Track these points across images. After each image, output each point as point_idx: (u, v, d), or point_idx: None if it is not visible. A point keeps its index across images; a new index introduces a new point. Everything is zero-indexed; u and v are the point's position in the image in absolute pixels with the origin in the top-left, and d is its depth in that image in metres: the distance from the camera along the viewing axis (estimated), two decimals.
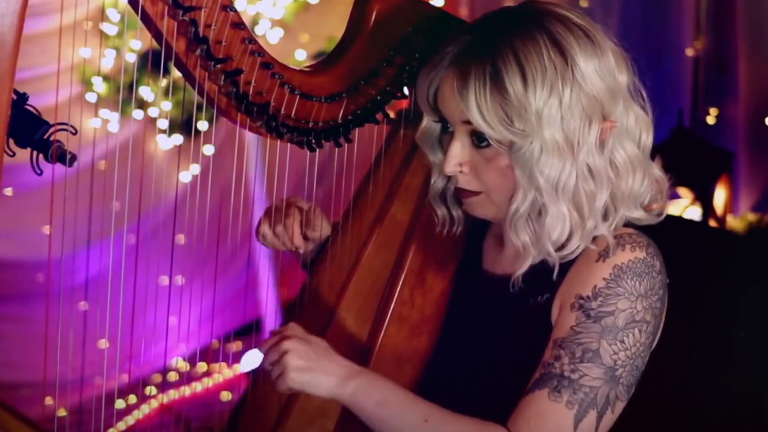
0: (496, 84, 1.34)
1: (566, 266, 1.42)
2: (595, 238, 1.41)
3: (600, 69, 1.37)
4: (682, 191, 4.14)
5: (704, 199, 4.05)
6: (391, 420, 1.38)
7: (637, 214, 1.44)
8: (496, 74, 1.34)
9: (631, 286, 1.37)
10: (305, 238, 1.67)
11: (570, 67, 1.35)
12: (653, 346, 1.44)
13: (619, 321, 1.36)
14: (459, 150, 1.42)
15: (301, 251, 1.68)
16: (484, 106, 1.35)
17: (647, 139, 1.44)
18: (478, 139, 1.40)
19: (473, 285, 1.57)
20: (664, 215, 1.46)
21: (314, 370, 1.38)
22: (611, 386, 1.35)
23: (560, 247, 1.41)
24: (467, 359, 1.52)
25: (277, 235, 1.65)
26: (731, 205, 4.22)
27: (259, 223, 1.67)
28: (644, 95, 1.45)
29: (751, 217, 4.21)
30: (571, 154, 1.36)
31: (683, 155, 4.02)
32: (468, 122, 1.38)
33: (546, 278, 1.43)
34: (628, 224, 1.44)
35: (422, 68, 1.46)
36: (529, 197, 1.38)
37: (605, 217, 1.42)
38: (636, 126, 1.43)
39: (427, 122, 1.49)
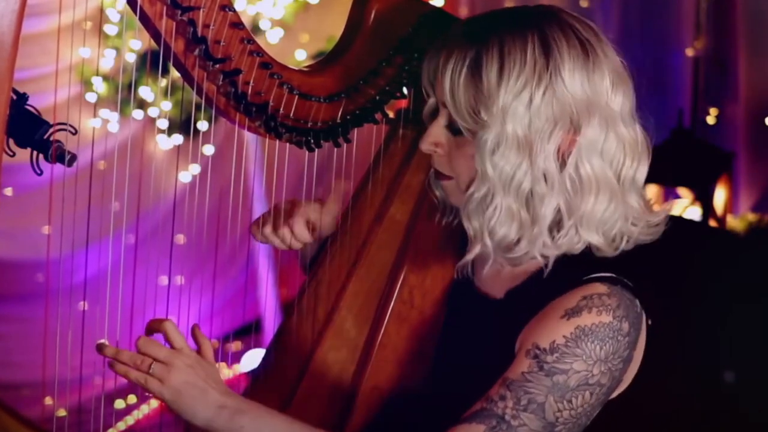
0: (473, 72, 1.35)
1: (539, 300, 1.40)
2: (557, 262, 1.40)
3: (585, 82, 1.35)
4: (682, 191, 4.13)
5: (704, 199, 4.04)
6: None
7: (595, 240, 1.39)
8: (476, 62, 1.35)
9: (590, 350, 1.34)
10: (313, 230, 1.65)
11: (550, 70, 1.33)
12: (619, 392, 1.42)
13: (570, 381, 1.33)
14: (436, 130, 1.43)
15: (303, 245, 1.66)
16: (456, 90, 1.36)
17: (630, 168, 1.39)
18: (453, 125, 1.41)
19: (463, 296, 1.56)
20: (620, 250, 1.41)
21: (193, 397, 1.36)
22: None
23: (507, 248, 1.40)
24: (457, 368, 1.51)
25: (278, 235, 1.63)
26: (731, 205, 4.21)
27: (257, 221, 1.66)
28: (639, 122, 1.40)
29: (751, 217, 4.21)
30: (529, 154, 1.35)
31: (683, 155, 4.01)
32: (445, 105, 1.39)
33: (520, 310, 1.41)
34: (586, 250, 1.40)
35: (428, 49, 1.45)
36: (483, 187, 1.37)
37: (558, 228, 1.39)
38: (617, 150, 1.38)
39: (432, 101, 1.48)
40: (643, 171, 1.41)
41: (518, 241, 1.39)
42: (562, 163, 1.37)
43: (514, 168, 1.35)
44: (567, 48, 1.35)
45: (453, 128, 1.41)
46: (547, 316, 1.37)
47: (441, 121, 1.42)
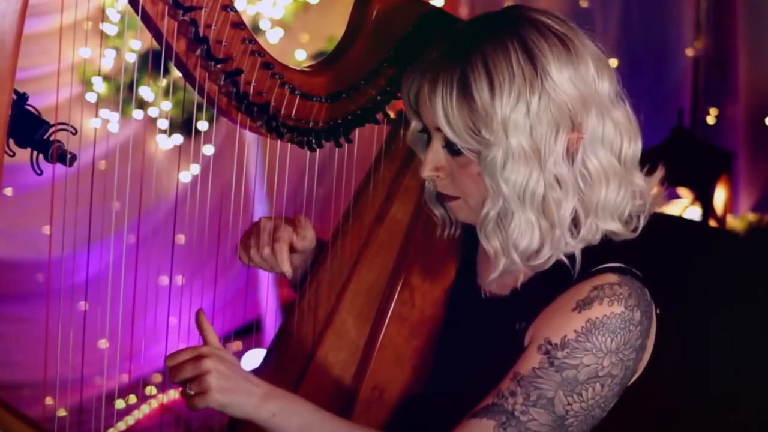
0: (463, 92, 1.33)
1: (546, 295, 1.41)
2: (573, 259, 1.40)
3: (574, 77, 1.34)
4: (682, 191, 4.13)
5: (704, 199, 4.04)
6: None
7: (613, 227, 1.41)
8: (464, 82, 1.33)
9: (600, 343, 1.35)
10: (293, 255, 1.65)
11: (539, 74, 1.33)
12: (634, 379, 1.43)
13: (580, 375, 1.35)
14: (434, 156, 1.41)
15: (288, 276, 1.65)
16: (451, 114, 1.34)
17: (629, 148, 1.41)
18: (451, 146, 1.39)
19: (466, 298, 1.57)
20: (639, 231, 1.43)
21: (234, 391, 1.36)
22: None
23: (531, 257, 1.39)
24: (458, 369, 1.52)
25: (264, 258, 1.62)
26: (731, 205, 4.21)
27: (242, 242, 1.64)
28: (627, 103, 1.42)
29: (751, 217, 4.21)
30: (538, 162, 1.34)
31: (683, 155, 4.01)
32: (440, 129, 1.37)
33: (527, 305, 1.42)
34: (605, 238, 1.41)
35: (404, 73, 1.45)
36: (497, 204, 1.37)
37: (576, 226, 1.40)
38: (615, 135, 1.39)
39: (416, 125, 1.48)
40: (638, 147, 1.43)
41: (540, 248, 1.39)
42: (571, 163, 1.37)
43: (526, 179, 1.35)
44: (549, 48, 1.34)
45: (451, 149, 1.40)
46: (559, 309, 1.38)
47: (437, 145, 1.41)
